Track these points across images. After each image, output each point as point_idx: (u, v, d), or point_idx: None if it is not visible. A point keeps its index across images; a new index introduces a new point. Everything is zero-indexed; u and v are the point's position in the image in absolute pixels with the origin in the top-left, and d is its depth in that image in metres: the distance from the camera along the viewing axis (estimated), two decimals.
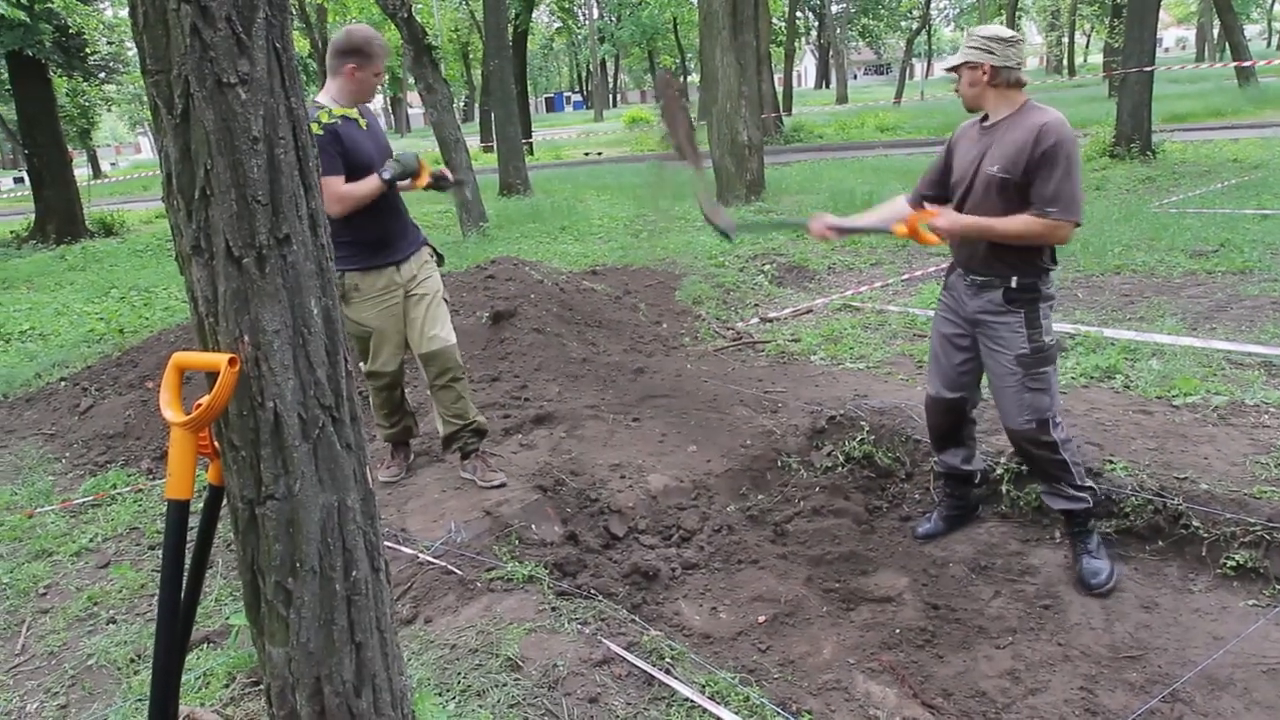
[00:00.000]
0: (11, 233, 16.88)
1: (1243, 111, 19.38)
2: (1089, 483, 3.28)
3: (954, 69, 3.12)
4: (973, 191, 3.11)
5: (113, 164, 49.87)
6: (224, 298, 1.56)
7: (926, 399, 3.56)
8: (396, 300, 3.69)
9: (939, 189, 3.30)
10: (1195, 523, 3.31)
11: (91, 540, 3.91)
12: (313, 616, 1.71)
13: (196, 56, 1.47)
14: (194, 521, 1.75)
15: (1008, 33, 3.02)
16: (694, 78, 56.71)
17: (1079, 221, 2.96)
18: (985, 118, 3.17)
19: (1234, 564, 3.19)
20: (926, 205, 3.25)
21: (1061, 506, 3.29)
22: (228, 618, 3.12)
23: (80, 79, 18.45)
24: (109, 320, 8.20)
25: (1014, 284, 3.08)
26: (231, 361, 1.53)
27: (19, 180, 33.64)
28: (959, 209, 3.17)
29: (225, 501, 1.73)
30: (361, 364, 3.85)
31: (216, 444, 1.68)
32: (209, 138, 1.50)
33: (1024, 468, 3.75)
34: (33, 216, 16.63)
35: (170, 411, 1.60)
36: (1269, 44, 58.16)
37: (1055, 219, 2.93)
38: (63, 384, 6.17)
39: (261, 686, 2.35)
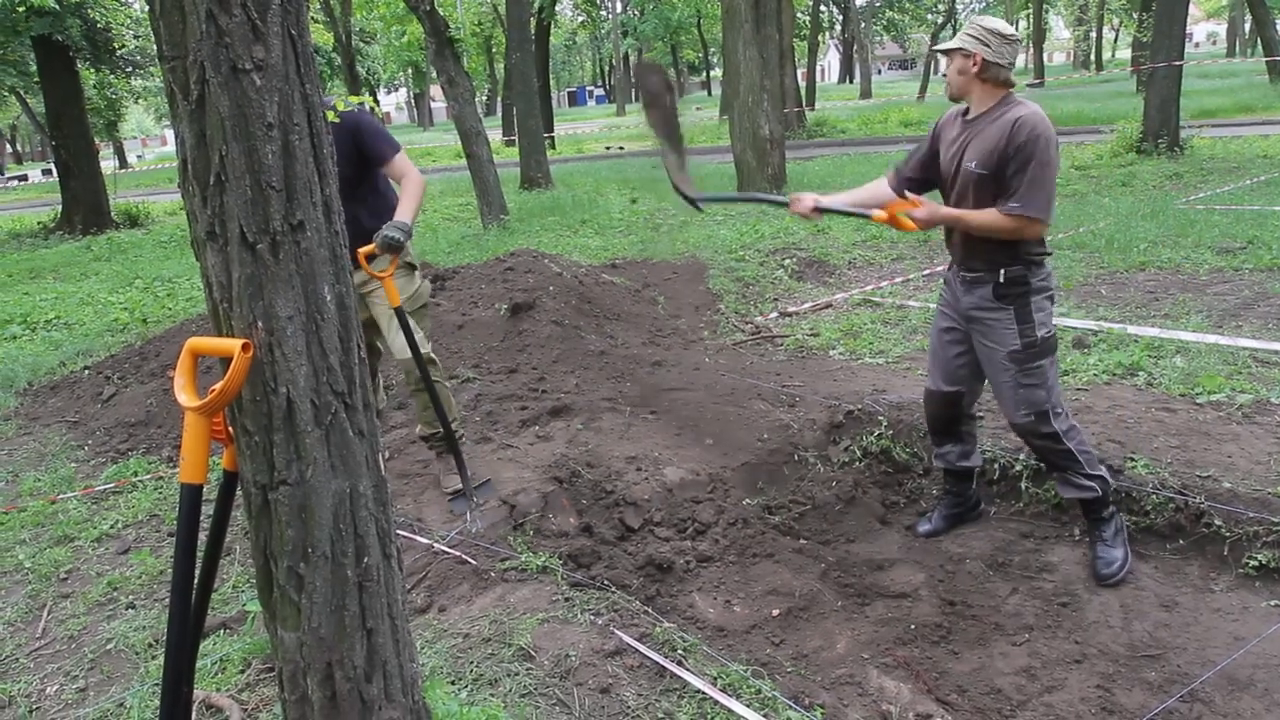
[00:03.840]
0: (39, 223, 17.09)
1: (1274, 107, 19.09)
2: (1099, 471, 3.24)
3: (946, 52, 3.10)
4: (956, 185, 3.14)
5: (139, 156, 50.38)
6: (238, 283, 1.57)
7: (925, 391, 3.56)
8: None
9: (922, 173, 3.32)
10: (1217, 521, 3.27)
11: (112, 526, 3.96)
12: (324, 602, 1.71)
13: (212, 42, 1.47)
14: (211, 508, 1.76)
15: (1008, 29, 3.00)
16: (716, 72, 56.56)
17: (1046, 221, 2.96)
18: (967, 110, 3.16)
19: (1256, 564, 3.15)
20: (908, 192, 3.22)
21: (1072, 495, 3.29)
22: (245, 604, 3.15)
23: (107, 72, 18.63)
24: (133, 310, 8.30)
25: (1002, 278, 3.09)
26: (245, 347, 1.54)
27: (47, 172, 34.04)
28: (945, 201, 3.20)
29: (239, 487, 1.74)
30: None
31: (230, 429, 1.69)
32: (224, 124, 1.50)
33: (1040, 463, 3.72)
34: (59, 208, 16.83)
35: (184, 396, 1.60)
36: None
37: (1020, 215, 2.93)
38: (86, 372, 6.25)
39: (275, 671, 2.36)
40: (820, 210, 3.31)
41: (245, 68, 1.49)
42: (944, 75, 3.19)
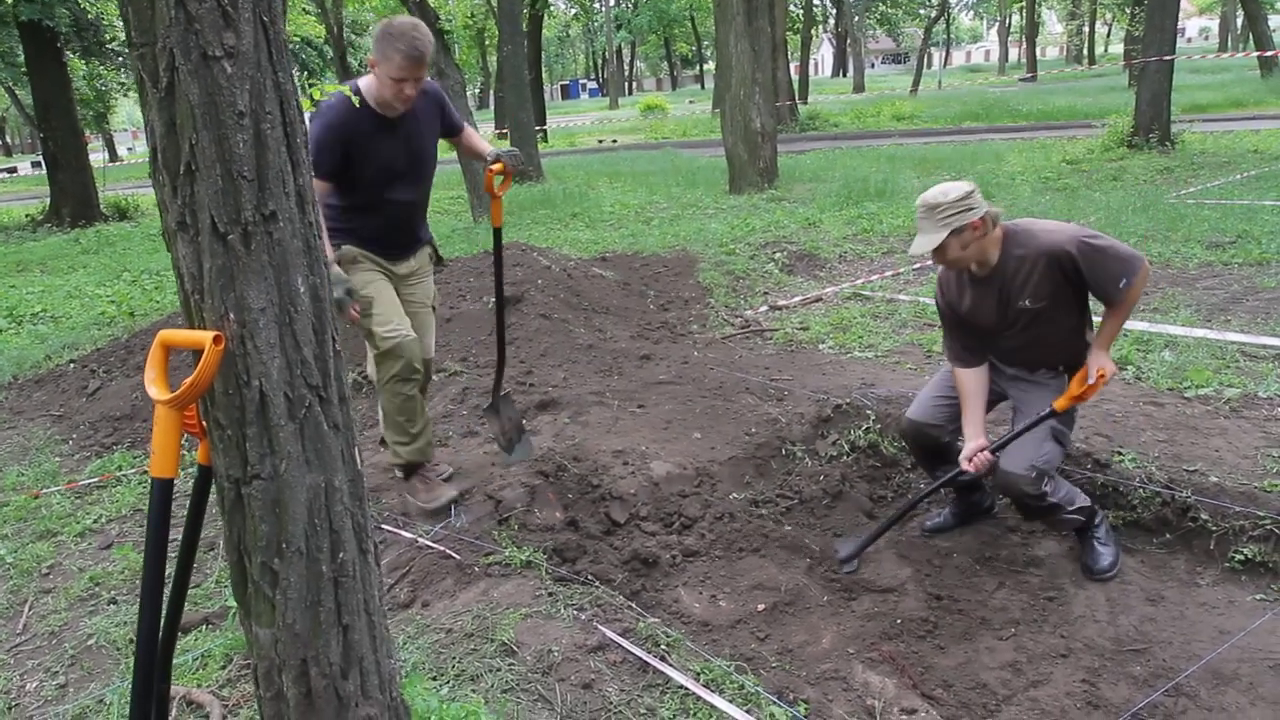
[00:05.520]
0: (27, 216, 16.97)
1: (1265, 102, 19.16)
2: (1081, 503, 3.22)
3: (937, 251, 2.98)
4: (1014, 327, 3.13)
5: (129, 148, 50.02)
6: (209, 275, 1.54)
7: (908, 424, 3.49)
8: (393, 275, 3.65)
9: (977, 339, 3.26)
10: (1204, 516, 3.27)
11: (95, 521, 3.93)
12: (299, 598, 1.69)
13: (181, 29, 1.44)
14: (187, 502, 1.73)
15: (965, 185, 2.96)
16: (710, 65, 56.47)
17: (1142, 266, 2.91)
18: (964, 272, 3.14)
19: (1242, 558, 3.15)
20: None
21: (1063, 530, 3.38)
22: (227, 599, 3.13)
23: (97, 63, 18.49)
24: (120, 303, 8.25)
25: (1062, 368, 3.22)
26: (216, 339, 1.51)
27: (36, 164, 33.81)
28: (999, 338, 3.20)
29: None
30: (372, 353, 3.51)
31: (203, 423, 1.66)
32: (194, 112, 1.48)
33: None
34: (48, 200, 16.70)
35: (154, 389, 1.58)
36: None
37: (1134, 284, 2.90)
38: (71, 366, 6.20)
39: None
40: (996, 450, 3.18)
41: (215, 55, 1.46)
42: (938, 265, 3.14)
